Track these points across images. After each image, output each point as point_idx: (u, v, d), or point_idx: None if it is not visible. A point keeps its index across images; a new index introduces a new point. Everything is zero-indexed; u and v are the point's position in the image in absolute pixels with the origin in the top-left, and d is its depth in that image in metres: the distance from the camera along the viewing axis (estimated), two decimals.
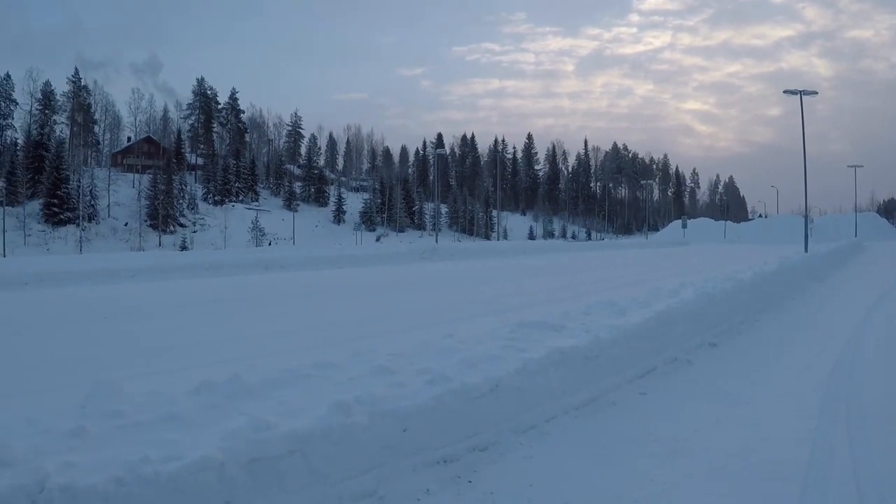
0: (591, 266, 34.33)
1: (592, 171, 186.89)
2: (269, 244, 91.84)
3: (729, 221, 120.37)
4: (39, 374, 9.47)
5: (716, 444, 6.37)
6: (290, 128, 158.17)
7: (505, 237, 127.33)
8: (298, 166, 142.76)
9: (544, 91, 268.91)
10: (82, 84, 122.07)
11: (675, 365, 9.72)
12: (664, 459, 5.97)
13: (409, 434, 5.49)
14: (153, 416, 5.23)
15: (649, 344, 9.51)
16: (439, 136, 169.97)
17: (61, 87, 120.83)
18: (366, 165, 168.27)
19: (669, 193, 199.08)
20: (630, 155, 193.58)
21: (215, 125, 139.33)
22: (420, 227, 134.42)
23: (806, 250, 38.55)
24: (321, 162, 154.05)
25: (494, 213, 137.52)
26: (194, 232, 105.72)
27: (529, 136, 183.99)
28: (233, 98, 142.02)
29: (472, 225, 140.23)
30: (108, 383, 5.81)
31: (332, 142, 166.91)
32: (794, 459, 5.89)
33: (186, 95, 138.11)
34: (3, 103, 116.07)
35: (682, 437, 6.54)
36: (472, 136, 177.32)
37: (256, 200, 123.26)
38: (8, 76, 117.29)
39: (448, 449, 5.75)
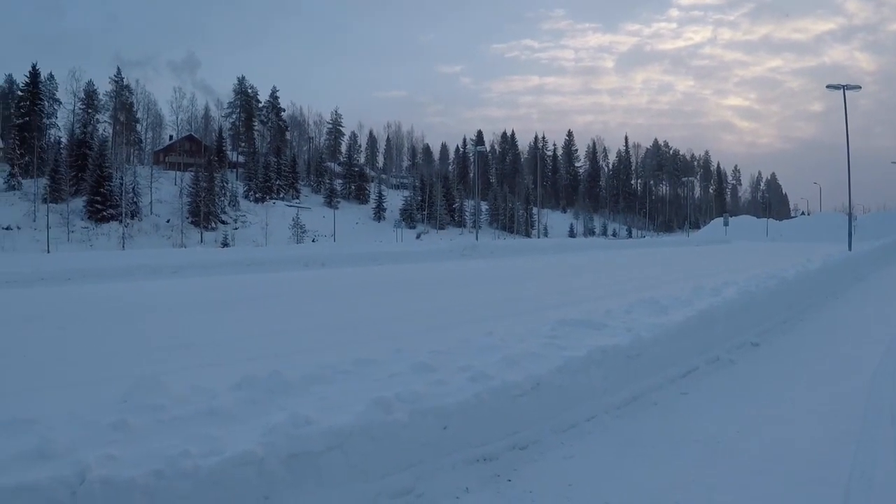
0: (632, 264, 34.12)
1: (633, 168, 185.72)
2: (313, 241, 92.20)
3: (771, 219, 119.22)
4: (82, 368, 9.55)
5: (758, 445, 6.27)
6: (330, 126, 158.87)
7: (545, 235, 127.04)
8: (339, 164, 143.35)
9: (584, 88, 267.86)
10: (124, 83, 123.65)
11: (717, 364, 9.62)
12: (705, 460, 5.89)
13: (449, 432, 5.47)
14: (194, 410, 5.25)
15: (691, 343, 9.41)
16: (479, 134, 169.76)
17: (103, 86, 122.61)
18: (406, 163, 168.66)
19: (711, 191, 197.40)
20: (671, 152, 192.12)
21: (256, 123, 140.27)
22: (460, 224, 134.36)
23: (850, 248, 38.13)
24: (361, 159, 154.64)
25: (535, 210, 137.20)
26: (235, 229, 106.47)
27: (569, 133, 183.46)
28: (273, 96, 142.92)
29: (512, 222, 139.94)
30: (149, 377, 5.85)
31: (372, 139, 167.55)
32: (838, 462, 5.78)
33: (224, 93, 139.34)
34: (46, 103, 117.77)
35: (724, 438, 6.45)
36: (512, 134, 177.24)
37: (297, 198, 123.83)
38: (51, 76, 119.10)
39: (488, 447, 5.72)
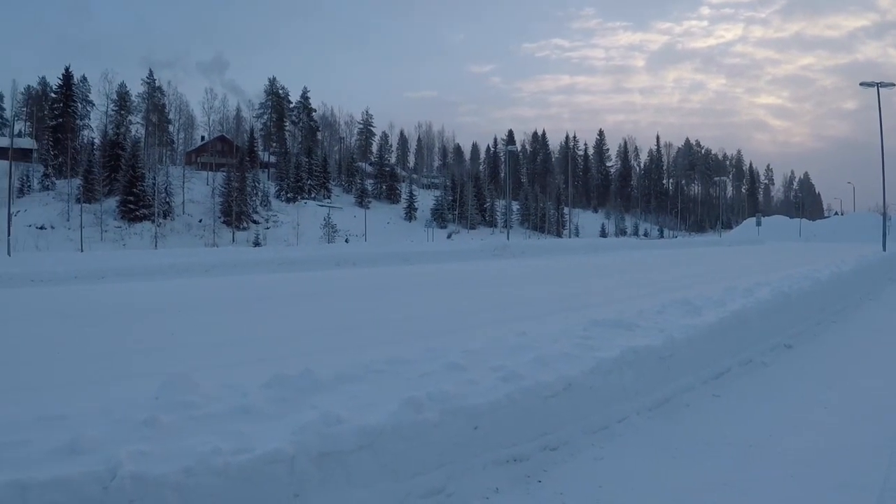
0: (664, 264, 33.96)
1: (665, 167, 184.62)
2: (346, 241, 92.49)
3: (804, 219, 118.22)
4: (114, 365, 9.63)
5: (790, 449, 6.21)
6: (361, 126, 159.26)
7: (576, 234, 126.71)
8: (370, 164, 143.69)
9: (615, 87, 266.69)
10: (156, 85, 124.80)
11: (749, 367, 9.54)
12: (737, 463, 5.84)
13: (479, 432, 5.46)
14: (225, 407, 5.27)
15: (724, 344, 9.33)
16: (510, 133, 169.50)
17: (136, 88, 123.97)
18: (437, 163, 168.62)
19: (743, 190, 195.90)
20: (703, 151, 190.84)
21: (287, 124, 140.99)
22: (491, 224, 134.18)
23: (884, 249, 37.71)
24: (392, 159, 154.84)
25: (566, 210, 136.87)
26: (267, 228, 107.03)
27: (601, 133, 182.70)
28: (304, 97, 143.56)
29: (543, 222, 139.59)
30: (180, 375, 5.88)
31: (403, 139, 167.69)
32: (872, 468, 5.72)
33: (253, 94, 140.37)
34: (80, 105, 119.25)
35: (756, 442, 6.39)
36: (543, 133, 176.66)
37: (328, 198, 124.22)
38: (84, 78, 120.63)
39: (518, 447, 5.70)
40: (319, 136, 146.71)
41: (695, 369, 8.35)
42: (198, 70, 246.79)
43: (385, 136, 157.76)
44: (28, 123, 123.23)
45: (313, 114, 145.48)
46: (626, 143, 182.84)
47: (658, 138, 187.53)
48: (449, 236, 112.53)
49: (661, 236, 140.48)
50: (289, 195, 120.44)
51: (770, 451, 6.13)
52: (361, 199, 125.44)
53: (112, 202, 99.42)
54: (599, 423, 6.50)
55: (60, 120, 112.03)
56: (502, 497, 5.09)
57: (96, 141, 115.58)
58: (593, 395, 6.61)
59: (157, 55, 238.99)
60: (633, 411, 6.94)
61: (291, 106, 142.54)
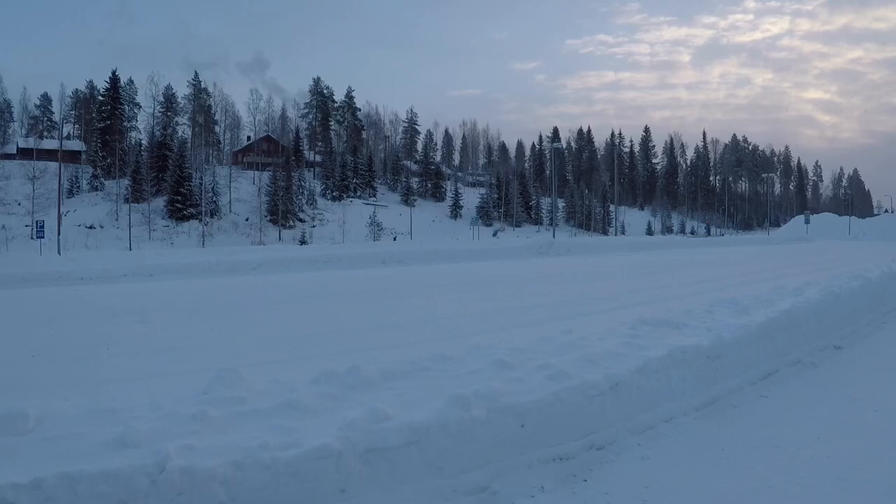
0: (711, 262, 33.62)
1: (711, 164, 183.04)
2: (394, 239, 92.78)
3: (853, 217, 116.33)
4: (164, 361, 9.74)
5: (839, 453, 6.10)
6: (405, 124, 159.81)
7: (622, 232, 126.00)
8: (415, 162, 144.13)
9: (660, 82, 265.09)
10: (202, 87, 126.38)
11: (798, 368, 9.40)
12: (785, 467, 5.74)
13: (526, 430, 5.46)
14: (273, 403, 5.33)
15: (772, 345, 9.22)
16: (555, 130, 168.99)
17: (182, 89, 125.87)
18: (482, 160, 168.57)
19: (791, 187, 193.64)
20: (750, 147, 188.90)
21: (332, 123, 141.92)
22: (537, 221, 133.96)
23: None
24: (437, 157, 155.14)
25: (612, 207, 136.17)
26: (313, 227, 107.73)
27: (646, 129, 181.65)
28: (349, 96, 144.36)
29: (589, 220, 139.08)
30: (229, 371, 5.94)
31: (447, 137, 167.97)
32: None
33: (294, 93, 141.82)
34: (127, 107, 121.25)
35: (805, 445, 6.29)
36: (589, 130, 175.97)
37: (374, 196, 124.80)
38: (130, 81, 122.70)
39: (564, 446, 5.68)
40: (364, 134, 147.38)
41: (743, 370, 8.27)
42: (238, 70, 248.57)
43: (430, 135, 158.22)
44: (76, 126, 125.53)
45: (358, 113, 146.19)
46: (672, 139, 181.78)
47: (704, 134, 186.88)
48: (494, 234, 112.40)
49: (708, 234, 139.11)
50: (334, 194, 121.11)
51: (819, 455, 6.03)
52: (407, 198, 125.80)
53: (160, 202, 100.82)
54: (646, 423, 6.46)
55: (108, 122, 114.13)
56: (547, 496, 5.07)
57: (143, 142, 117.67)
58: (640, 395, 6.57)
59: (197, 56, 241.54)
60: (680, 412, 6.89)
61: (336, 105, 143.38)
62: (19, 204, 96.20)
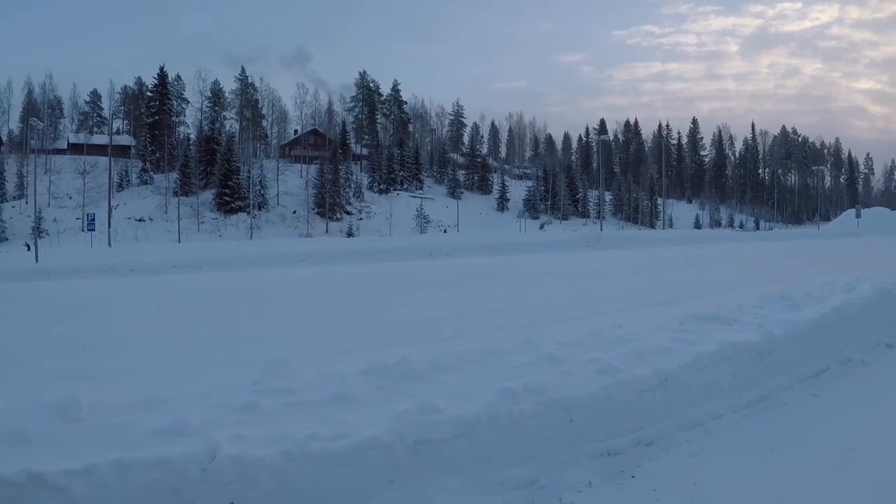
0: (760, 257, 33.25)
1: (760, 156, 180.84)
2: (444, 231, 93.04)
3: None
4: (214, 351, 9.85)
5: (891, 453, 5.98)
6: (452, 117, 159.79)
7: (670, 226, 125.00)
8: (461, 155, 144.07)
9: (708, 73, 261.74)
10: (249, 81, 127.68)
11: (849, 366, 9.24)
12: (835, 467, 5.64)
13: (574, 424, 5.44)
14: (323, 394, 5.36)
15: (823, 342, 9.07)
16: (602, 122, 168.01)
17: (228, 84, 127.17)
18: (528, 153, 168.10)
19: (841, 180, 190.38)
20: (799, 139, 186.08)
21: (379, 116, 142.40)
22: (584, 214, 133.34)
23: None
24: (484, 150, 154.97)
25: (659, 200, 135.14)
26: (360, 219, 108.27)
27: (694, 121, 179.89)
28: (395, 89, 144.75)
29: (636, 213, 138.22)
30: (279, 361, 6.00)
31: (494, 130, 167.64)
32: None
33: (336, 86, 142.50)
34: (175, 102, 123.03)
35: (855, 445, 6.17)
36: (636, 122, 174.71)
37: (421, 188, 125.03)
38: (178, 77, 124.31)
39: (613, 441, 5.66)
40: (411, 127, 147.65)
41: (793, 367, 8.14)
42: (280, 64, 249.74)
43: (476, 127, 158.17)
44: (126, 121, 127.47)
45: (404, 106, 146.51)
46: (720, 131, 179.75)
47: (753, 126, 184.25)
48: (541, 227, 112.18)
49: (757, 228, 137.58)
50: (381, 186, 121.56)
51: (869, 455, 5.93)
52: (453, 190, 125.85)
53: (208, 195, 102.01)
54: (695, 420, 6.41)
55: (157, 117, 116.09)
56: (595, 491, 5.06)
57: (192, 136, 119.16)
58: (689, 391, 6.52)
59: (238, 52, 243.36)
60: (730, 408, 6.82)
61: (382, 98, 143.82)
62: (70, 198, 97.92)
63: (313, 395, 5.33)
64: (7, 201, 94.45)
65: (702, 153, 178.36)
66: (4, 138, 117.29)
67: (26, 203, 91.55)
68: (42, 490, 3.88)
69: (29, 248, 63.56)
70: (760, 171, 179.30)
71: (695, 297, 15.42)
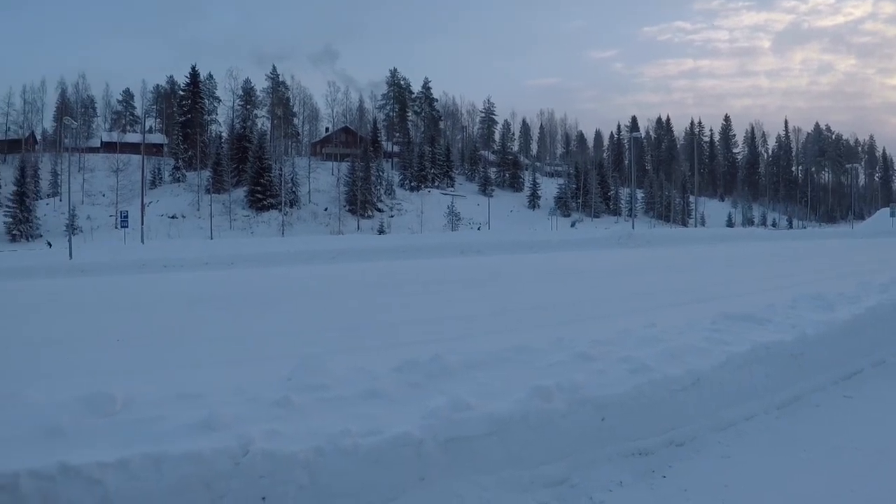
0: (793, 256, 33.01)
1: (793, 153, 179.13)
2: (478, 229, 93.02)
3: None
4: (246, 347, 9.92)
5: None
6: (483, 114, 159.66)
7: (702, 224, 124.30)
8: (492, 152, 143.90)
9: (740, 70, 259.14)
10: (280, 80, 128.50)
11: (883, 368, 9.12)
12: (868, 471, 5.57)
13: (606, 423, 5.44)
14: (355, 391, 5.39)
15: (857, 343, 8.96)
16: (633, 120, 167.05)
17: (260, 83, 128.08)
18: (559, 150, 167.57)
19: (876, 178, 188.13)
20: (833, 136, 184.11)
21: (410, 114, 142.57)
22: (615, 212, 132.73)
23: None
24: (515, 147, 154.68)
25: (692, 198, 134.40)
26: (391, 216, 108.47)
27: (726, 118, 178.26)
28: (426, 87, 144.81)
29: (668, 211, 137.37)
30: (312, 357, 6.04)
31: (525, 127, 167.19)
32: None
33: (364, 83, 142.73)
34: (207, 101, 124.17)
35: (888, 448, 6.08)
36: (668, 119, 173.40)
37: (452, 186, 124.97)
38: (210, 76, 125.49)
39: (644, 441, 5.64)
40: (441, 125, 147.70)
41: (826, 368, 8.06)
42: (308, 61, 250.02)
43: (507, 125, 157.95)
44: (158, 120, 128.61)
45: (435, 104, 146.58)
46: (752, 128, 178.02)
47: (786, 123, 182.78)
48: (573, 224, 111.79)
49: (790, 227, 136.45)
50: (412, 184, 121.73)
51: None
52: (484, 188, 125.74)
53: (240, 192, 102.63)
54: (727, 420, 6.37)
55: (189, 116, 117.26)
56: (626, 491, 5.05)
57: (223, 134, 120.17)
58: (722, 391, 6.49)
59: (267, 50, 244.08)
60: (762, 409, 6.77)
61: (413, 96, 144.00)
62: (103, 195, 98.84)
63: (345, 391, 5.37)
64: (41, 199, 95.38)
65: (734, 151, 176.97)
66: (39, 137, 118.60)
67: (60, 200, 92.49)
68: (76, 483, 3.93)
69: (50, 246, 64.39)
70: (793, 168, 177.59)
71: (727, 296, 15.34)
